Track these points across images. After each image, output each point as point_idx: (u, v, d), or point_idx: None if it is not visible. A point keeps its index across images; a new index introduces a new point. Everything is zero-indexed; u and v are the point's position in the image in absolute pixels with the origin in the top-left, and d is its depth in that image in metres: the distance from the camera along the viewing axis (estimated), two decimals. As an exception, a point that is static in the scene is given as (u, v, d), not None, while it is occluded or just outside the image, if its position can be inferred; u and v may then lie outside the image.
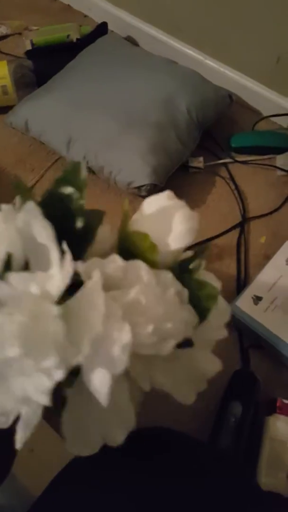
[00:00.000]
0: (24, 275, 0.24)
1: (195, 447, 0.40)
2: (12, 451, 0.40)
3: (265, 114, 0.94)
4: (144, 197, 0.80)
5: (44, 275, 0.24)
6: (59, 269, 0.24)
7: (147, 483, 0.33)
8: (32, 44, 1.02)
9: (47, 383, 0.22)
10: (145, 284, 0.25)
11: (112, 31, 1.05)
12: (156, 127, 0.81)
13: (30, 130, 0.84)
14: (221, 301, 0.30)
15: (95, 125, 0.81)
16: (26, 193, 0.27)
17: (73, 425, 0.25)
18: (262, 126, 0.92)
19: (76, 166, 0.28)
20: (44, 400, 0.22)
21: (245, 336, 0.68)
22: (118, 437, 0.27)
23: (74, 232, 0.26)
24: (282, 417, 0.59)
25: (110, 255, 0.26)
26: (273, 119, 0.93)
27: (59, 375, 0.22)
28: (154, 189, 0.78)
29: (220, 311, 0.30)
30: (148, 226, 0.27)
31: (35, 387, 0.22)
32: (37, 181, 0.84)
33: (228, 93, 0.89)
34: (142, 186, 0.77)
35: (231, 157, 0.87)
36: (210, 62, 0.95)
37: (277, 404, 0.60)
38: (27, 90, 0.90)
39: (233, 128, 0.92)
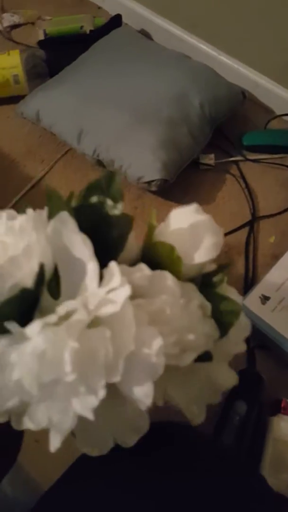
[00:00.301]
0: (72, 302, 0.23)
1: (198, 444, 0.40)
2: (17, 442, 0.40)
3: (278, 112, 0.93)
4: (154, 192, 0.80)
5: (86, 296, 0.24)
6: (97, 284, 0.24)
7: (151, 479, 0.33)
8: (45, 34, 1.01)
9: (95, 402, 0.22)
10: (171, 295, 0.25)
11: (126, 23, 1.04)
12: (168, 122, 0.80)
13: (41, 121, 0.84)
14: (242, 316, 0.30)
15: (106, 119, 0.81)
16: (60, 204, 0.26)
17: (86, 425, 0.25)
18: (274, 125, 0.92)
19: (110, 175, 0.27)
20: (90, 415, 0.22)
21: (251, 336, 0.67)
22: (129, 441, 0.27)
23: (106, 241, 0.26)
24: (286, 417, 0.59)
25: (136, 264, 0.26)
26: (285, 118, 0.92)
27: (104, 393, 0.23)
28: (164, 185, 0.78)
29: (241, 327, 0.30)
30: (173, 238, 0.27)
31: (83, 405, 0.22)
32: (46, 173, 0.84)
33: (241, 89, 0.89)
34: (152, 181, 0.77)
35: (243, 155, 0.87)
36: (224, 58, 0.94)
37: (282, 405, 0.60)
38: (38, 80, 0.90)
39: (246, 126, 0.91)
